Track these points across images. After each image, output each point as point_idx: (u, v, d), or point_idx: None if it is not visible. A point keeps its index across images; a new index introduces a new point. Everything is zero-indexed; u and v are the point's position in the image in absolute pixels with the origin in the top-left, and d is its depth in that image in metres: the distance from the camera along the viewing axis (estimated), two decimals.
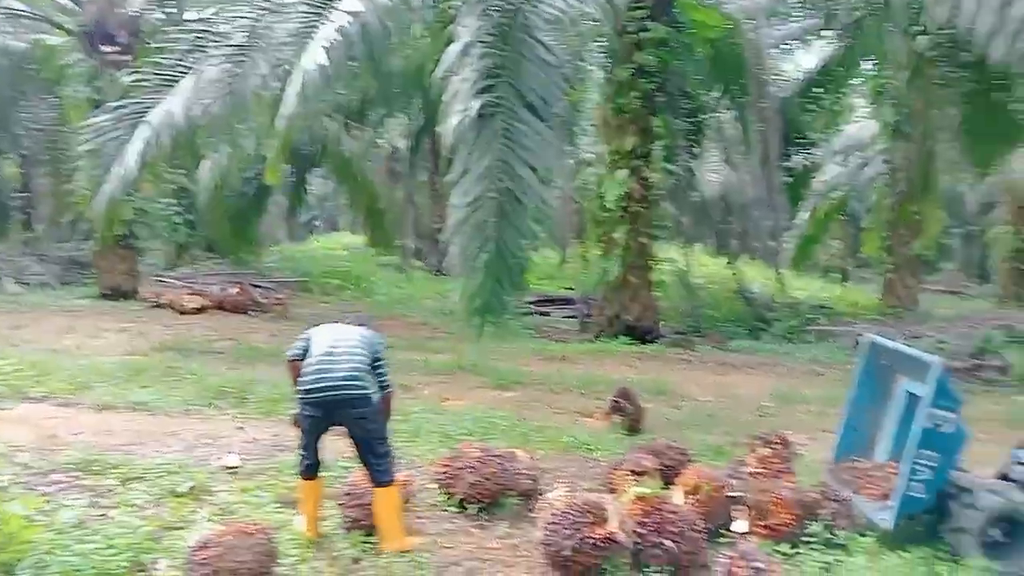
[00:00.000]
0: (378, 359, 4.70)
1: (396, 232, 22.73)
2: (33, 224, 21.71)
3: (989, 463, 5.62)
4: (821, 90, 17.64)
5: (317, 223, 48.65)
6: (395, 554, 4.40)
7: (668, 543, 4.43)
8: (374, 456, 4.52)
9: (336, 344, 4.62)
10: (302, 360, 4.63)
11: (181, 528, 4.59)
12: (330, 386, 4.47)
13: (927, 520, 4.88)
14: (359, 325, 4.89)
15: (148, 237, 17.69)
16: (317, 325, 4.91)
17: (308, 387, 4.51)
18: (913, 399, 5.15)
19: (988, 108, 12.68)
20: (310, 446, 4.61)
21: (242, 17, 9.88)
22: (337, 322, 4.97)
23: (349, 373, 4.50)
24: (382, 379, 4.71)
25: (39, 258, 17.34)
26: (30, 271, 16.43)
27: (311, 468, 4.63)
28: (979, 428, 7.69)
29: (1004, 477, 5.13)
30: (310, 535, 4.62)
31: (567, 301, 16.85)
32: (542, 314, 16.36)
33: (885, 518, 4.63)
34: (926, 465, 4.58)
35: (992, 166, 15.32)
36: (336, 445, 6.25)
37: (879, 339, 5.56)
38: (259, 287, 15.80)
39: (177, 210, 19.01)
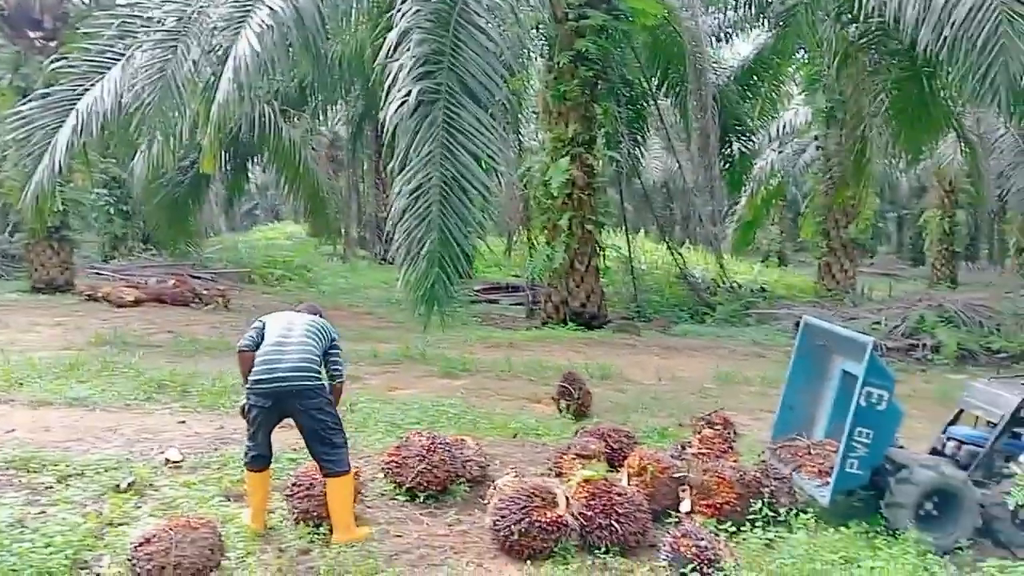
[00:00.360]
0: (332, 348, 4.67)
1: (339, 221, 22.49)
2: None
3: (923, 439, 5.84)
4: (757, 78, 17.95)
5: (258, 212, 47.88)
6: (345, 545, 4.37)
7: (615, 524, 4.49)
8: (327, 447, 4.46)
9: (287, 334, 4.56)
10: (253, 351, 4.55)
11: (124, 524, 4.49)
12: (279, 377, 4.41)
13: (865, 496, 5.05)
14: (311, 313, 4.86)
15: (82, 229, 17.20)
16: (267, 315, 4.84)
17: (257, 377, 4.44)
18: (848, 378, 5.30)
19: (917, 95, 13.08)
20: (258, 437, 4.55)
21: (173, 1, 9.65)
22: (290, 310, 4.93)
23: (298, 363, 4.44)
24: (335, 367, 4.68)
25: None
26: None
27: (258, 460, 4.57)
28: (913, 405, 7.98)
29: (937, 452, 5.35)
30: (256, 527, 4.56)
31: (514, 289, 16.92)
32: (490, 302, 16.41)
33: (823, 494, 4.77)
34: (861, 442, 4.71)
35: (922, 152, 15.80)
36: (282, 436, 6.20)
37: (814, 320, 5.72)
38: (199, 279, 15.51)
39: (111, 201, 18.54)
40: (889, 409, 4.79)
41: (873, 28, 12.38)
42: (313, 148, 24.09)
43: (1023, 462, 4.84)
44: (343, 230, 24.61)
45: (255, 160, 19.01)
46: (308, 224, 25.24)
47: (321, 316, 4.89)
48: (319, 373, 4.53)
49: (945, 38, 7.32)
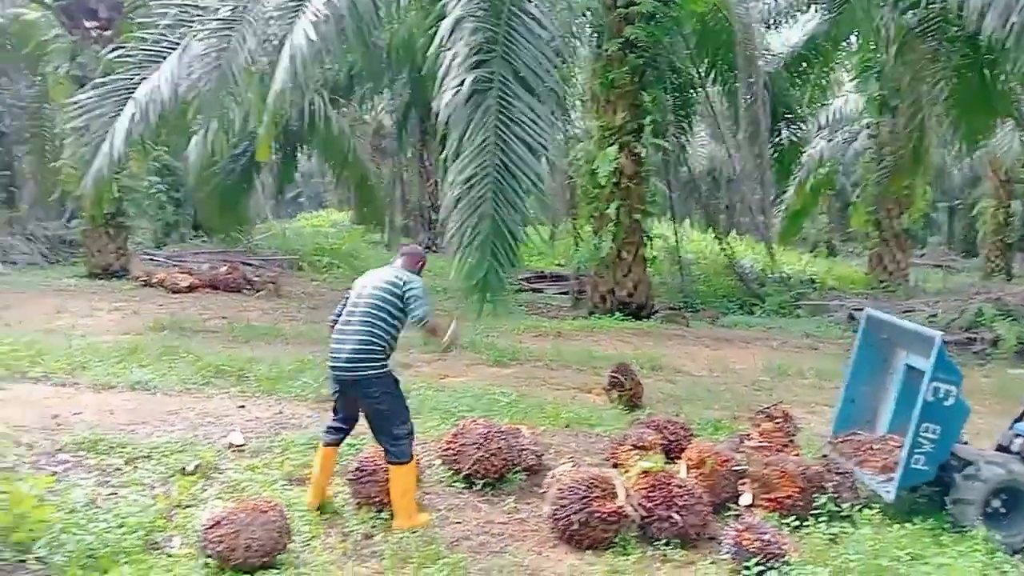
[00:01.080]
0: (408, 297, 4.52)
1: (385, 209, 22.61)
2: (16, 203, 21.43)
3: (983, 435, 5.73)
4: (807, 65, 17.62)
5: (302, 200, 48.38)
6: (407, 530, 4.42)
7: (676, 516, 4.49)
8: (387, 436, 4.49)
9: (353, 311, 4.55)
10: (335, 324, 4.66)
11: (191, 506, 4.60)
12: (340, 366, 4.50)
13: (929, 492, 4.97)
14: (404, 259, 4.79)
15: (136, 215, 17.54)
16: (347, 288, 4.82)
17: (328, 361, 4.57)
18: (912, 373, 5.22)
19: (977, 83, 12.73)
20: (336, 412, 4.70)
21: None
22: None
23: (354, 352, 4.44)
24: (413, 316, 4.53)
25: (25, 238, 17.13)
26: (16, 251, 16.25)
27: (328, 432, 4.70)
28: (973, 401, 7.78)
29: (1003, 449, 5.24)
30: (310, 502, 4.63)
31: (559, 278, 16.88)
32: (534, 291, 16.39)
33: (888, 490, 4.70)
34: (928, 438, 4.64)
35: (981, 140, 15.41)
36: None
37: (878, 313, 5.63)
38: (249, 265, 15.72)
39: (163, 188, 18.88)
40: (956, 405, 4.71)
41: (933, 15, 12.06)
42: (358, 137, 24.27)
43: None
44: (388, 218, 24.76)
45: (303, 148, 19.19)
46: (352, 212, 25.41)
47: (416, 259, 4.81)
48: (378, 359, 4.48)
49: (1012, 24, 7.12)
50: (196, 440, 5.63)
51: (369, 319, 4.50)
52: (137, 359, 7.95)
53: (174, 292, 12.94)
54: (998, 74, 12.46)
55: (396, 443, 4.48)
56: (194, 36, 9.91)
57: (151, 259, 16.43)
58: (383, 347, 4.53)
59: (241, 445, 5.60)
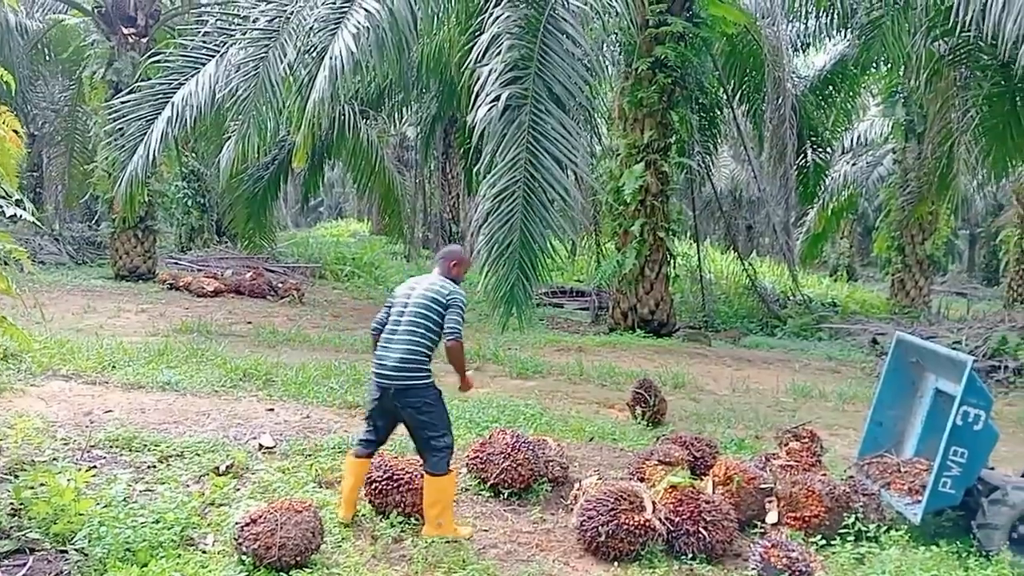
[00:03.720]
0: (449, 309, 4.53)
1: (406, 220, 22.78)
2: (45, 204, 21.78)
3: (1007, 462, 5.72)
4: (834, 88, 17.65)
5: (322, 210, 48.76)
6: (438, 537, 4.46)
7: (703, 531, 4.51)
8: (426, 447, 4.54)
9: (399, 319, 4.58)
10: (379, 333, 4.67)
11: (224, 505, 4.67)
12: (385, 374, 4.53)
13: (954, 516, 4.97)
14: (442, 264, 4.75)
15: (161, 220, 17.80)
16: (402, 283, 4.81)
17: (373, 368, 4.60)
18: (941, 397, 5.23)
19: (1008, 111, 12.71)
20: (369, 423, 4.72)
21: (268, 2, 9.96)
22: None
23: (399, 361, 4.49)
24: (447, 329, 4.53)
25: (53, 238, 17.40)
26: (44, 251, 16.51)
27: (360, 444, 4.72)
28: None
29: None
30: (343, 516, 4.64)
31: (578, 293, 16.94)
32: (555, 305, 16.45)
33: (915, 512, 4.71)
34: (956, 462, 4.65)
35: (1009, 170, 15.37)
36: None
37: (908, 336, 5.64)
38: (273, 272, 15.91)
39: (190, 193, 19.15)
40: (985, 430, 4.71)
41: (964, 43, 12.08)
42: (384, 148, 24.48)
43: None
44: (409, 229, 24.93)
45: (329, 158, 19.41)
46: (372, 222, 25.60)
47: (452, 261, 4.76)
48: (421, 370, 4.53)
49: None
50: (227, 440, 5.72)
51: (413, 327, 4.55)
52: (166, 360, 8.07)
53: (200, 296, 13.12)
54: None
55: (436, 454, 4.52)
56: (234, 44, 10.13)
57: (176, 263, 16.65)
58: (427, 357, 4.58)
59: (271, 447, 5.68)
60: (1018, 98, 12.36)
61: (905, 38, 12.43)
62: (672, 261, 13.61)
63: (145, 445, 5.47)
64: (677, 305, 14.63)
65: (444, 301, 4.55)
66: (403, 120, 26.64)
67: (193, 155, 19.06)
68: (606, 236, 14.51)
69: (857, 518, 4.72)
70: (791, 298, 16.21)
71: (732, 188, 32.09)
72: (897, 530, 4.69)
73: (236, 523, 4.18)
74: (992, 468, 5.19)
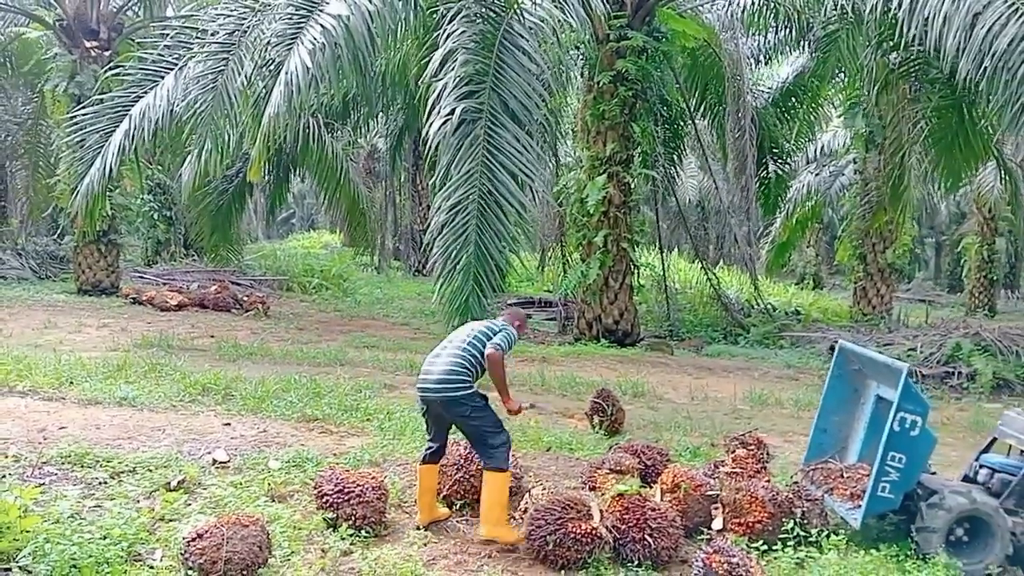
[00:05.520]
0: (499, 333, 4.91)
1: (376, 232, 22.79)
2: (9, 218, 21.55)
3: (957, 467, 5.87)
4: (796, 100, 17.95)
5: (294, 222, 48.58)
6: (490, 540, 4.73)
7: (648, 538, 4.60)
8: (482, 446, 4.84)
9: (447, 344, 4.95)
10: None
11: (174, 520, 4.68)
12: (427, 388, 4.84)
13: (896, 520, 5.10)
14: (508, 315, 5.27)
15: (127, 233, 17.67)
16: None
17: (418, 383, 4.95)
18: (882, 403, 5.37)
19: (957, 123, 13.06)
20: (429, 432, 5.03)
21: (227, 16, 9.98)
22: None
23: (442, 375, 4.79)
24: (492, 341, 4.84)
25: (15, 252, 17.21)
26: (6, 265, 16.33)
27: (427, 451, 5.01)
28: (947, 433, 8.03)
29: (969, 479, 5.38)
30: (421, 520, 4.94)
31: (546, 304, 17.03)
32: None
33: (855, 517, 4.83)
34: (894, 467, 4.77)
35: (961, 179, 15.71)
36: (322, 442, 6.39)
37: (850, 345, 5.78)
38: (239, 285, 15.85)
39: (155, 206, 19.03)
40: (922, 435, 4.84)
41: (914, 56, 12.39)
42: (351, 160, 24.48)
43: None
44: (379, 241, 24.95)
45: (296, 170, 19.39)
46: (344, 234, 25.59)
47: (516, 319, 5.25)
48: (463, 382, 4.78)
49: (985, 68, 7.36)
50: (180, 456, 5.71)
51: (460, 347, 4.89)
52: (124, 375, 8.04)
53: (163, 310, 13.05)
54: (976, 115, 12.79)
55: (493, 451, 4.79)
56: (192, 58, 10.14)
57: (141, 277, 16.54)
58: (471, 372, 4.84)
59: (225, 462, 5.69)
60: (965, 110, 12.69)
61: (859, 51, 12.71)
62: (636, 271, 13.75)
63: (97, 461, 5.46)
64: (643, 315, 14.78)
65: (497, 329, 4.96)
66: (374, 132, 26.71)
67: (159, 168, 18.96)
68: (571, 247, 14.62)
69: (797, 523, 4.83)
70: (755, 307, 16.42)
71: (700, 199, 32.45)
72: (837, 535, 4.81)
73: (183, 538, 4.20)
74: (933, 473, 5.33)
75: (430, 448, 5.00)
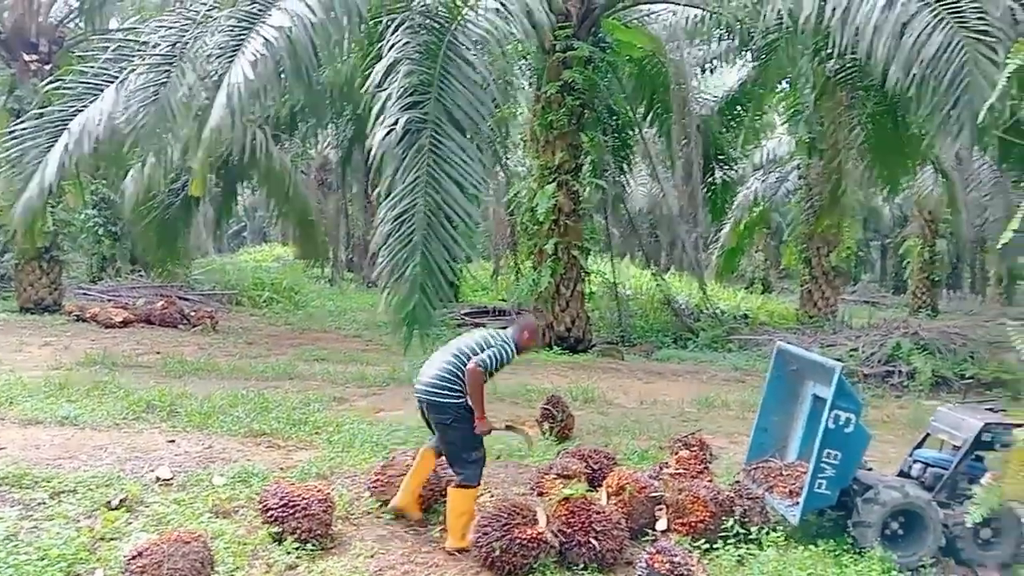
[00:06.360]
0: (492, 347, 4.90)
1: (328, 244, 22.62)
2: None
3: (896, 462, 6.03)
4: (741, 108, 18.32)
5: (246, 235, 47.96)
6: (453, 552, 4.79)
7: (593, 541, 4.66)
8: (453, 460, 4.94)
9: (446, 348, 4.99)
10: None
11: (115, 539, 4.61)
12: (419, 389, 4.95)
13: (834, 516, 5.24)
14: (519, 327, 5.21)
15: (70, 249, 17.28)
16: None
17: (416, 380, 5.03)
18: (819, 402, 5.51)
19: (891, 129, 13.47)
20: (430, 427, 5.12)
21: (168, 28, 9.87)
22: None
23: (432, 379, 4.87)
24: (479, 356, 4.83)
25: None
26: None
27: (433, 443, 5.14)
28: (887, 430, 8.25)
29: (904, 474, 5.55)
30: (396, 503, 5.12)
31: (500, 312, 17.05)
32: (476, 325, 16.51)
33: (794, 514, 4.95)
34: (830, 463, 4.90)
35: (899, 183, 16.17)
36: (270, 456, 6.35)
37: (787, 346, 5.92)
38: (187, 300, 15.60)
39: (100, 222, 18.63)
40: (856, 432, 4.98)
41: (849, 64, 12.76)
42: (303, 172, 24.31)
43: (984, 484, 5.03)
44: (331, 253, 24.77)
45: (245, 183, 19.17)
46: (296, 247, 25.34)
47: (522, 330, 5.17)
48: (453, 389, 4.82)
49: (914, 75, 7.60)
50: (123, 474, 5.63)
51: (452, 356, 4.92)
52: (66, 394, 7.89)
53: (107, 327, 12.80)
54: (908, 121, 13.21)
55: (465, 466, 4.86)
56: (134, 70, 9.99)
57: (85, 294, 16.18)
58: (457, 381, 4.85)
59: (169, 479, 5.62)
60: (899, 117, 13.09)
61: (798, 60, 13.03)
62: (587, 278, 13.89)
63: (36, 482, 5.35)
64: (595, 321, 14.90)
65: (491, 342, 4.94)
66: (325, 143, 26.54)
67: (103, 183, 18.57)
68: (523, 255, 14.72)
69: (739, 521, 4.93)
70: (704, 311, 16.67)
71: (651, 206, 32.82)
72: (776, 531, 4.93)
73: (123, 557, 4.14)
74: (870, 469, 5.48)
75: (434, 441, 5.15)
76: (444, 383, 4.83)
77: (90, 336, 11.99)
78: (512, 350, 5.01)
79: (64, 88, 11.23)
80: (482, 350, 4.88)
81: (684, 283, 21.54)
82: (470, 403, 4.84)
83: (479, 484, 4.94)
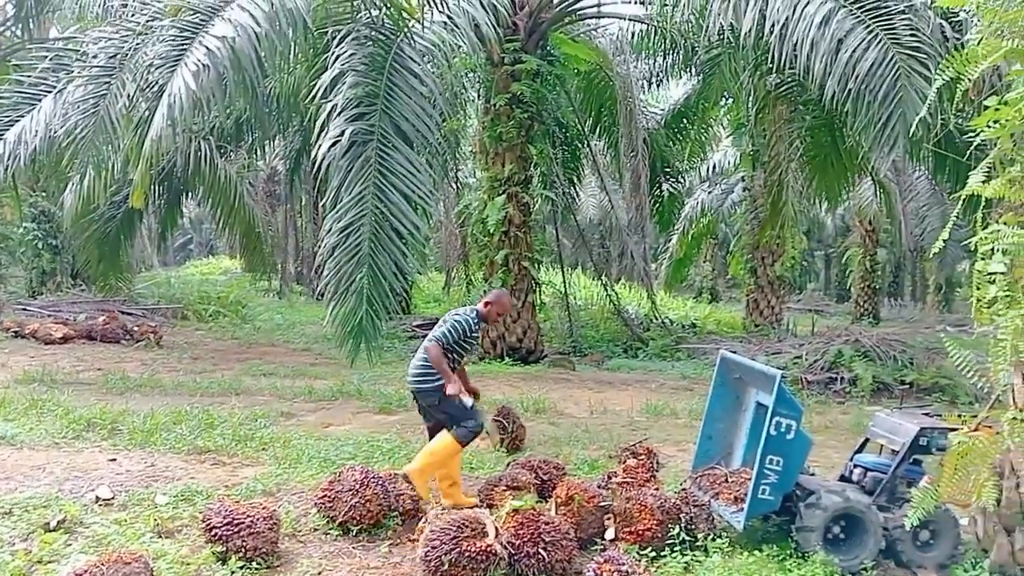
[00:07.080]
0: (447, 323, 5.56)
1: (276, 256, 22.34)
2: None
3: (839, 467, 6.17)
4: (687, 121, 18.63)
5: (192, 247, 47.17)
6: (407, 478, 5.41)
7: (542, 552, 4.66)
8: (452, 426, 5.49)
9: (427, 338, 5.59)
10: None
11: (53, 562, 4.48)
12: (408, 380, 5.66)
13: (778, 521, 5.33)
14: (482, 296, 5.87)
15: (8, 264, 16.80)
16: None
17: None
18: (762, 409, 5.60)
19: (829, 142, 13.86)
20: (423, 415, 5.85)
21: (109, 38, 9.70)
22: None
23: (414, 369, 5.59)
24: (433, 334, 5.51)
25: None
26: None
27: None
28: (830, 436, 8.43)
29: (844, 479, 5.67)
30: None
31: None
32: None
33: (738, 520, 5.02)
34: (772, 470, 4.99)
35: (839, 195, 16.60)
36: (215, 474, 6.24)
37: (730, 355, 6.02)
38: (130, 315, 15.27)
39: (39, 235, 18.15)
40: (798, 438, 5.07)
41: (788, 79, 13.09)
42: (250, 183, 23.99)
43: (921, 487, 5.18)
44: (280, 265, 24.48)
45: (189, 195, 18.86)
46: (244, 259, 24.99)
47: (487, 302, 5.74)
48: (429, 374, 5.47)
49: (850, 90, 7.85)
50: (61, 495, 5.48)
51: (426, 344, 5.52)
52: (3, 413, 7.67)
53: (47, 343, 12.46)
54: (846, 135, 13.59)
55: (459, 429, 5.48)
56: (72, 80, 9.80)
57: (24, 309, 15.72)
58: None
59: (109, 499, 5.48)
60: (837, 130, 13.47)
61: (739, 74, 13.32)
62: (538, 289, 13.96)
63: None
64: (546, 332, 14.97)
65: (447, 319, 5.61)
66: (272, 154, 26.25)
67: (42, 195, 18.10)
68: (474, 267, 14.73)
69: (685, 528, 4.99)
70: (653, 321, 16.87)
71: (601, 218, 33.15)
72: (722, 538, 5.00)
73: None
74: (812, 474, 5.60)
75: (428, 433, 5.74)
76: (422, 371, 5.48)
77: (29, 353, 11.66)
78: (471, 320, 5.57)
79: (1, 98, 10.97)
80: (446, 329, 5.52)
81: (634, 293, 21.75)
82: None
83: (464, 446, 5.54)
